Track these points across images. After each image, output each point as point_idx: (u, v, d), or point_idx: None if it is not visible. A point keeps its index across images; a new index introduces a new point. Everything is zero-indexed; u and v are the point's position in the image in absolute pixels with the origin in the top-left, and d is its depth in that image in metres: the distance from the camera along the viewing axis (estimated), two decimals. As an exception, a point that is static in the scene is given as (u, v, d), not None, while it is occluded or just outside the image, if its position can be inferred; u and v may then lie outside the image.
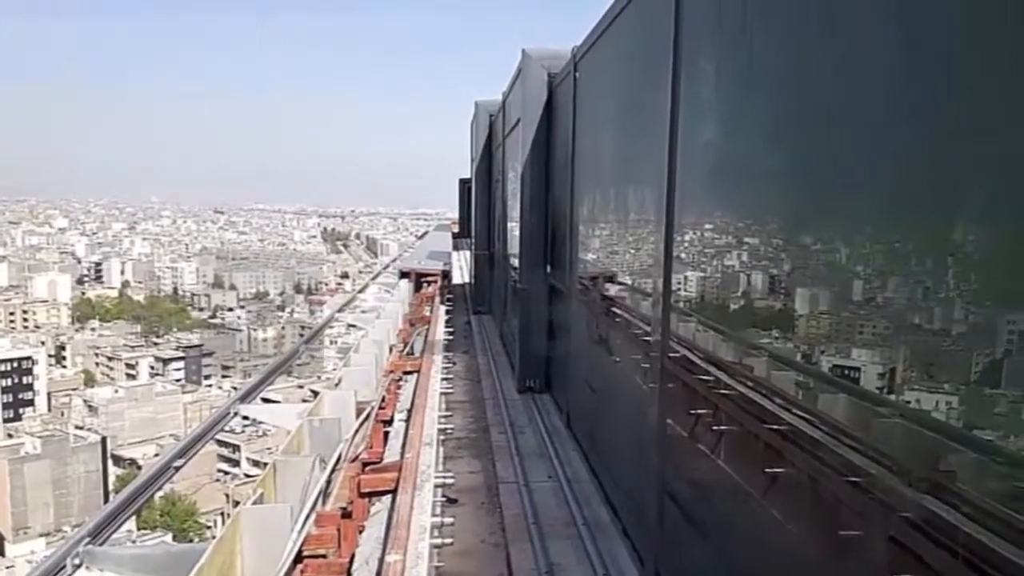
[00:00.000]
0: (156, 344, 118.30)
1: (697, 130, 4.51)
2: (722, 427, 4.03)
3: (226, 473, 75.84)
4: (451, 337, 10.86)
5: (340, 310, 16.28)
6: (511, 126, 11.38)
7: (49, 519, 67.87)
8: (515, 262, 10.92)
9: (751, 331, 3.85)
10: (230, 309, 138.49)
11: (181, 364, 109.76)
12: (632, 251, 6.27)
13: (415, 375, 7.80)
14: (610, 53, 6.79)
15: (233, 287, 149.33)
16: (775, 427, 3.33)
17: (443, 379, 7.92)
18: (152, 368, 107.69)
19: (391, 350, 9.39)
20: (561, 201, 8.69)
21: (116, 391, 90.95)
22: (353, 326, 15.36)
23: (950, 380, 2.39)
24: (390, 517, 4.18)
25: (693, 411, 4.44)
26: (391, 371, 7.99)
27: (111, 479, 69.66)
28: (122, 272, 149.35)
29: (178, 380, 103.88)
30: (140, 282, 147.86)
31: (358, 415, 6.56)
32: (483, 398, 9.85)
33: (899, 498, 2.40)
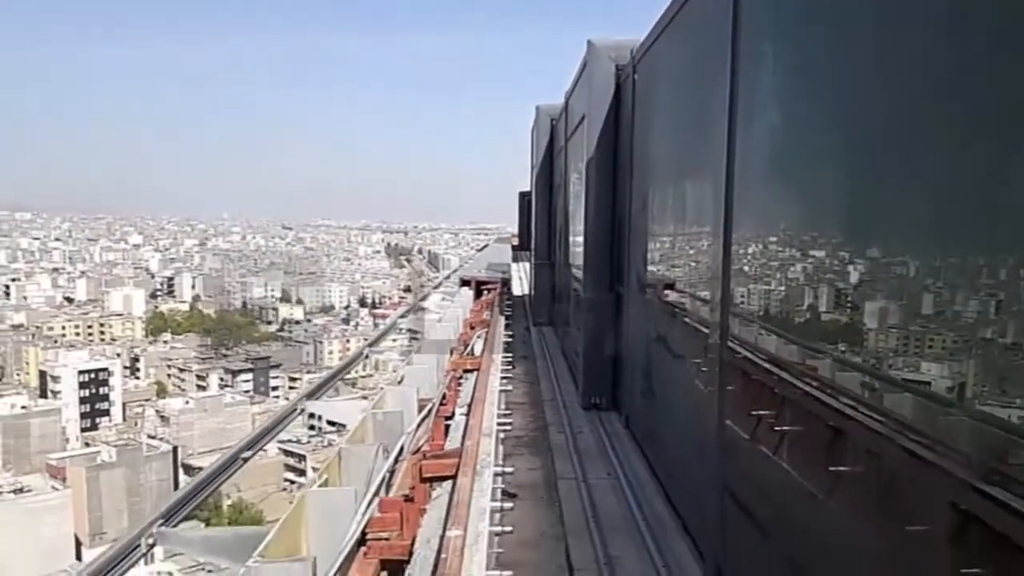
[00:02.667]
0: (225, 356, 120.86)
1: (754, 126, 4.52)
2: (783, 427, 4.01)
3: (292, 483, 77.00)
4: (511, 340, 10.95)
5: (403, 316, 16.53)
6: (574, 126, 10.86)
7: (123, 525, 69.84)
8: (578, 273, 10.47)
9: (809, 330, 3.83)
10: (297, 322, 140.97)
11: (249, 376, 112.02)
12: (690, 250, 6.27)
13: (475, 373, 7.90)
14: (670, 48, 6.73)
15: (300, 301, 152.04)
16: (834, 424, 3.32)
17: (503, 377, 7.99)
18: (221, 380, 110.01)
19: (452, 352, 9.51)
20: (626, 202, 8.42)
21: (187, 402, 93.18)
22: (414, 331, 15.56)
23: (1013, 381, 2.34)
24: (451, 499, 4.27)
25: (753, 411, 4.43)
26: (452, 369, 8.11)
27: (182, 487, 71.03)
28: (193, 287, 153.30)
29: (246, 392, 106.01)
30: (210, 296, 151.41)
31: (420, 411, 6.66)
32: (542, 400, 9.90)
33: (966, 494, 2.35)
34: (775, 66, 4.27)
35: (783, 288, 4.19)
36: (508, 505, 4.49)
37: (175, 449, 78.83)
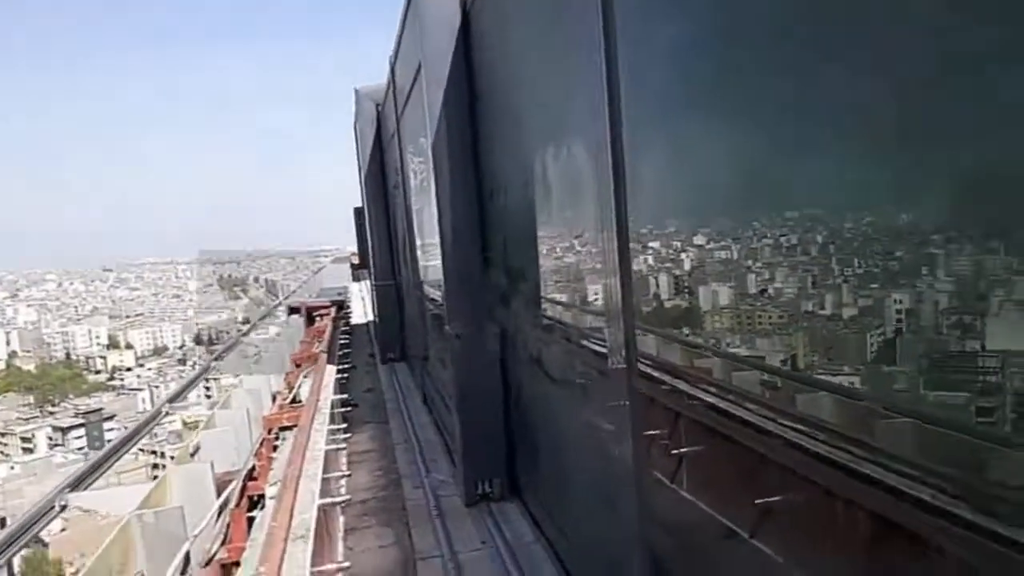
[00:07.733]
0: (52, 413, 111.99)
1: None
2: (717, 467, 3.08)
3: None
4: (346, 379, 9.23)
5: (217, 358, 14.41)
6: (406, 94, 8.30)
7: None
8: (434, 292, 8.04)
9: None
10: (128, 368, 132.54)
11: (82, 432, 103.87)
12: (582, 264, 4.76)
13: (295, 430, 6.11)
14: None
15: (129, 346, 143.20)
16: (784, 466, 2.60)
17: (336, 430, 6.27)
18: (50, 439, 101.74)
19: (275, 399, 7.69)
20: (499, 185, 5.99)
21: (12, 468, 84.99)
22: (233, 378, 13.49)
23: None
24: None
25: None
26: (266, 429, 6.25)
27: (16, 561, 64.13)
28: (8, 343, 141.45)
29: (80, 448, 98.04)
30: (29, 351, 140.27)
31: (219, 492, 4.91)
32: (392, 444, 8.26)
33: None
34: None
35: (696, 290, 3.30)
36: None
37: (2, 520, 71.44)
